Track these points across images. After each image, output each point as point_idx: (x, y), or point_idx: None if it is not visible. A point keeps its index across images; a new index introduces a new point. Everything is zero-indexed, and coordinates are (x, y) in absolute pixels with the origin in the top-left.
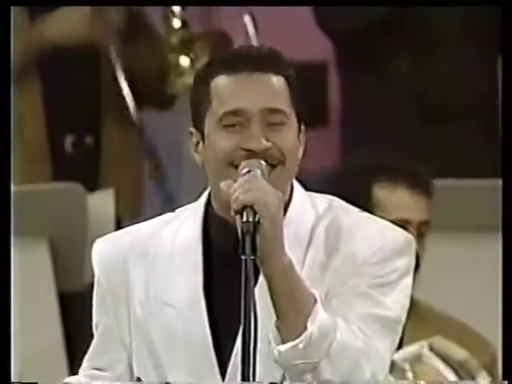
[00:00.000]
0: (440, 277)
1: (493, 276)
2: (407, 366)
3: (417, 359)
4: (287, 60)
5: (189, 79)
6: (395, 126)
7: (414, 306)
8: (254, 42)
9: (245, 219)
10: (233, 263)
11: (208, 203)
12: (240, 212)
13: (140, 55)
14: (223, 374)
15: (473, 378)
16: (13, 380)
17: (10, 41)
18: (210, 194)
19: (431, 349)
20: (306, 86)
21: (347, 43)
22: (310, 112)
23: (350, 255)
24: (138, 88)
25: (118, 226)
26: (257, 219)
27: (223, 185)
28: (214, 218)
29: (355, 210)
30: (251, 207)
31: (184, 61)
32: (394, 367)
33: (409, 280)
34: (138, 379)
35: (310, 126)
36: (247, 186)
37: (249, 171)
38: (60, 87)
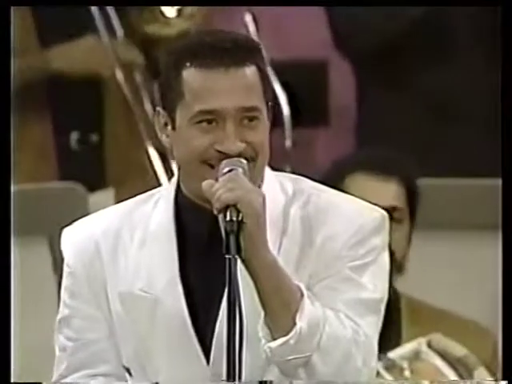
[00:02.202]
0: (440, 276)
1: (493, 275)
2: (405, 364)
3: (415, 356)
4: (258, 45)
5: None
6: (396, 125)
7: (408, 304)
8: None
9: (228, 218)
10: (207, 247)
11: (178, 187)
12: (223, 211)
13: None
14: (207, 358)
15: (471, 373)
16: (13, 380)
17: (10, 40)
18: (179, 178)
19: (429, 346)
20: (306, 86)
21: (365, 60)
22: (310, 112)
23: (329, 238)
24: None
25: None
26: (240, 218)
27: (205, 184)
28: (184, 202)
29: (325, 188)
30: (234, 206)
31: None
32: (392, 365)
33: (386, 256)
34: (127, 370)
35: (310, 126)
36: (230, 185)
37: (230, 170)
38: (65, 87)
